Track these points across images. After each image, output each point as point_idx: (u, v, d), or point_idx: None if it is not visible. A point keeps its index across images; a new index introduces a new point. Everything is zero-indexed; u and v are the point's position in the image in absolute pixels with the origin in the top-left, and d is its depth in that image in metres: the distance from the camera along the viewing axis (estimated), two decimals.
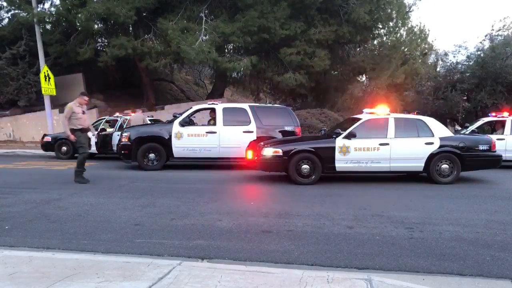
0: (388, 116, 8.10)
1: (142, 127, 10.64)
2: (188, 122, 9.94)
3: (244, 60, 15.25)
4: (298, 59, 15.29)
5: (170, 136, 9.73)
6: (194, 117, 10.43)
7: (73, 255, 3.59)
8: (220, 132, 9.84)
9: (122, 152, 9.93)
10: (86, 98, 8.04)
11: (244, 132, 9.89)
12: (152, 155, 9.71)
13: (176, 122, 9.90)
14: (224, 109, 10.10)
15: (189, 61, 16.32)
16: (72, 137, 7.64)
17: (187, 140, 9.76)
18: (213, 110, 10.25)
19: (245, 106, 10.44)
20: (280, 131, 10.03)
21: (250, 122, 9.99)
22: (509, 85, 18.33)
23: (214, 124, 10.02)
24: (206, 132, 9.83)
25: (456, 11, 77.25)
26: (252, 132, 9.90)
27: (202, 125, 10.43)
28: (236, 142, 9.78)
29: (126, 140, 9.77)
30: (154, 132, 10.01)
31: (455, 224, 4.83)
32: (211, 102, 10.64)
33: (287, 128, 10.09)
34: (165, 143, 9.73)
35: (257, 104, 10.87)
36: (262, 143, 8.63)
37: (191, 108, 10.42)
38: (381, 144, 7.78)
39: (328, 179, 8.07)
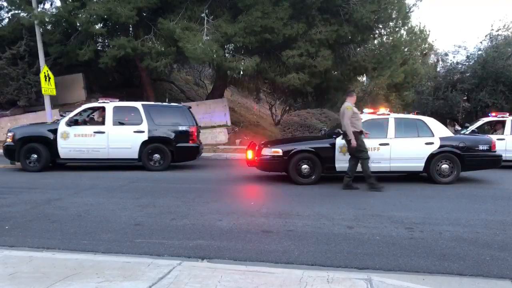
0: (388, 116, 8.10)
1: (28, 127, 10.23)
2: (75, 121, 9.51)
3: (247, 60, 15.25)
4: (301, 60, 15.29)
5: (56, 136, 9.34)
6: (92, 116, 10.06)
7: (73, 255, 3.59)
8: (109, 132, 9.47)
9: (7, 152, 9.42)
10: (355, 96, 7.73)
11: (135, 132, 9.53)
12: (34, 156, 9.21)
13: (63, 121, 9.49)
14: (115, 108, 9.71)
15: (194, 61, 16.28)
16: (354, 142, 7.09)
17: (74, 141, 9.36)
18: (103, 109, 9.83)
19: (138, 104, 9.93)
20: (173, 131, 9.73)
21: (142, 121, 9.62)
22: (510, 85, 18.32)
23: (103, 123, 9.66)
24: (94, 132, 9.44)
25: (456, 12, 77.23)
26: (143, 132, 9.54)
27: (94, 124, 9.95)
28: (126, 143, 9.47)
29: (10, 140, 9.29)
30: (37, 132, 9.53)
31: (455, 224, 4.83)
32: (101, 101, 10.01)
33: (181, 128, 9.76)
34: (50, 144, 9.29)
35: (151, 103, 10.47)
36: (262, 143, 8.63)
37: (81, 107, 10.13)
38: (381, 144, 7.78)
39: (328, 179, 8.07)
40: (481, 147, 8.02)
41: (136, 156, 9.58)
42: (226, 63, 15.25)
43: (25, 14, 15.99)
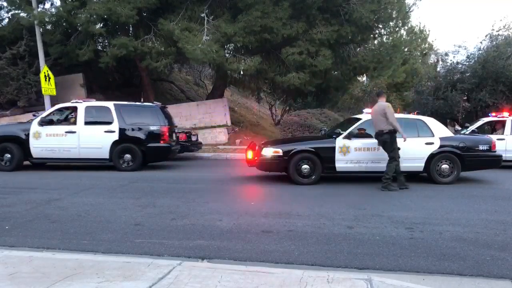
0: None
1: (2, 127, 10.39)
2: (47, 121, 9.59)
3: (247, 60, 15.24)
4: (301, 58, 15.29)
5: (28, 135, 9.43)
6: (71, 115, 10.08)
7: (73, 255, 3.59)
8: (80, 132, 9.54)
9: None
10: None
11: (105, 131, 9.54)
12: (7, 156, 9.30)
13: (35, 121, 9.60)
14: (87, 108, 9.75)
15: (195, 61, 16.29)
16: (405, 136, 7.28)
17: (45, 140, 9.46)
18: (74, 109, 9.87)
19: (110, 104, 9.91)
20: (144, 131, 9.71)
21: (112, 121, 9.61)
22: (510, 85, 18.32)
23: (75, 123, 9.70)
24: (65, 132, 9.52)
25: (456, 12, 77.25)
26: (114, 132, 9.55)
27: (65, 124, 9.96)
28: (97, 143, 9.50)
29: None
30: (10, 132, 9.65)
31: (455, 224, 4.83)
32: (74, 100, 10.12)
33: (152, 128, 9.72)
34: (23, 143, 9.40)
35: (124, 103, 10.39)
36: (262, 143, 8.63)
37: (54, 107, 10.22)
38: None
39: (328, 179, 8.07)
40: (481, 147, 8.02)
41: (107, 156, 9.58)
42: (226, 63, 15.26)
43: (25, 14, 15.99)
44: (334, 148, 7.74)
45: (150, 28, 16.17)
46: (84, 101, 10.12)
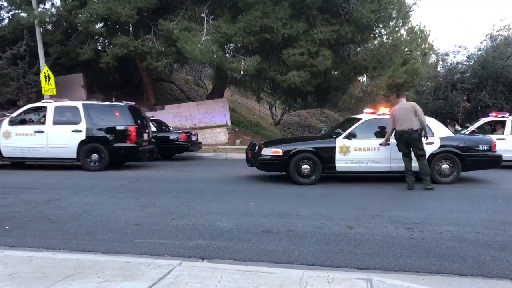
0: (388, 116, 8.09)
1: None
2: (18, 121, 9.69)
3: (247, 60, 15.25)
4: (301, 58, 15.29)
5: None
6: (41, 115, 10.13)
7: (74, 255, 3.59)
8: (48, 131, 9.61)
9: None
10: None
11: (73, 131, 9.56)
12: None
13: (6, 121, 9.73)
14: (56, 108, 9.80)
15: (194, 61, 16.30)
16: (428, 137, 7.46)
17: (15, 140, 9.58)
18: (44, 109, 9.92)
19: (78, 104, 9.97)
20: (110, 131, 9.70)
21: (80, 121, 9.64)
22: (510, 85, 18.31)
23: (44, 123, 9.75)
24: (34, 132, 9.60)
25: (457, 12, 77.26)
26: (81, 131, 9.57)
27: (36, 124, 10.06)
28: (65, 142, 9.55)
29: None
30: None
31: (455, 224, 4.83)
32: (45, 100, 10.24)
33: (119, 128, 9.69)
34: None
35: (92, 102, 10.47)
36: (262, 143, 8.63)
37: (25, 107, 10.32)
38: (381, 145, 7.77)
39: (328, 179, 8.07)
40: (481, 147, 8.02)
41: (74, 155, 9.62)
42: (226, 63, 15.26)
43: (25, 14, 15.99)
44: (334, 148, 7.74)
45: (150, 28, 16.18)
46: (55, 100, 10.23)
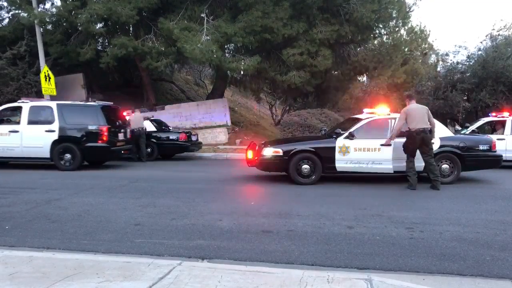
0: (388, 116, 8.09)
1: None
2: None
3: (247, 60, 15.25)
4: (301, 58, 15.29)
5: None
6: (16, 115, 10.23)
7: (74, 255, 3.59)
8: (22, 131, 9.76)
9: None
10: None
11: (46, 131, 9.67)
12: None
13: None
14: (31, 108, 9.93)
15: (194, 61, 16.31)
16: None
17: None
18: (20, 109, 10.03)
19: (52, 104, 10.08)
20: (82, 131, 9.75)
21: (54, 121, 9.73)
22: (511, 85, 18.30)
23: (19, 123, 9.88)
24: (9, 131, 9.78)
25: (457, 12, 77.25)
26: (54, 131, 9.66)
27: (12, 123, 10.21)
28: (38, 142, 9.65)
29: None
30: None
31: (455, 224, 4.83)
32: (21, 100, 10.33)
33: (91, 128, 9.74)
34: None
35: (66, 102, 10.50)
36: (262, 143, 8.62)
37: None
38: (382, 145, 7.76)
39: (328, 179, 8.07)
40: (481, 147, 8.02)
41: (48, 155, 9.71)
42: (225, 63, 15.26)
43: (25, 14, 15.99)
44: (334, 148, 7.73)
45: (150, 28, 16.18)
46: (31, 100, 10.35)
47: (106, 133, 9.77)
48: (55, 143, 9.66)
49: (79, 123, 9.81)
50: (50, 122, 9.75)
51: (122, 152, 10.64)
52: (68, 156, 9.68)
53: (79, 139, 9.70)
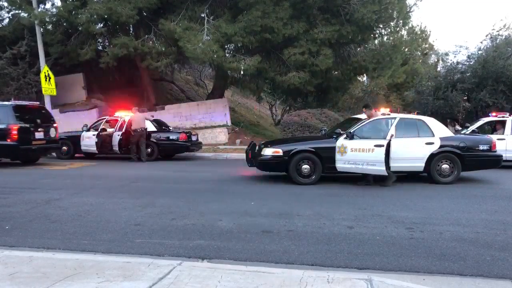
0: (388, 117, 8.08)
1: None
2: None
3: (247, 60, 15.25)
4: (302, 58, 15.29)
5: None
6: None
7: (74, 255, 3.59)
8: None
9: None
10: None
11: None
12: None
13: None
14: None
15: (195, 60, 16.31)
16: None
17: None
18: None
19: None
20: None
21: None
22: (511, 85, 18.29)
23: None
24: None
25: (457, 12, 77.23)
26: None
27: None
28: None
29: None
30: None
31: (456, 224, 4.83)
32: None
33: (0, 126, 9.92)
34: None
35: None
36: (262, 143, 8.63)
37: None
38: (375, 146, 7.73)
39: (328, 179, 8.07)
40: (481, 147, 8.01)
41: None
42: (226, 63, 15.26)
43: (25, 14, 16.01)
44: (334, 148, 7.73)
45: (150, 28, 16.19)
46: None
47: (15, 132, 9.93)
48: None
49: None
50: None
51: (45, 150, 10.83)
52: None
53: None
